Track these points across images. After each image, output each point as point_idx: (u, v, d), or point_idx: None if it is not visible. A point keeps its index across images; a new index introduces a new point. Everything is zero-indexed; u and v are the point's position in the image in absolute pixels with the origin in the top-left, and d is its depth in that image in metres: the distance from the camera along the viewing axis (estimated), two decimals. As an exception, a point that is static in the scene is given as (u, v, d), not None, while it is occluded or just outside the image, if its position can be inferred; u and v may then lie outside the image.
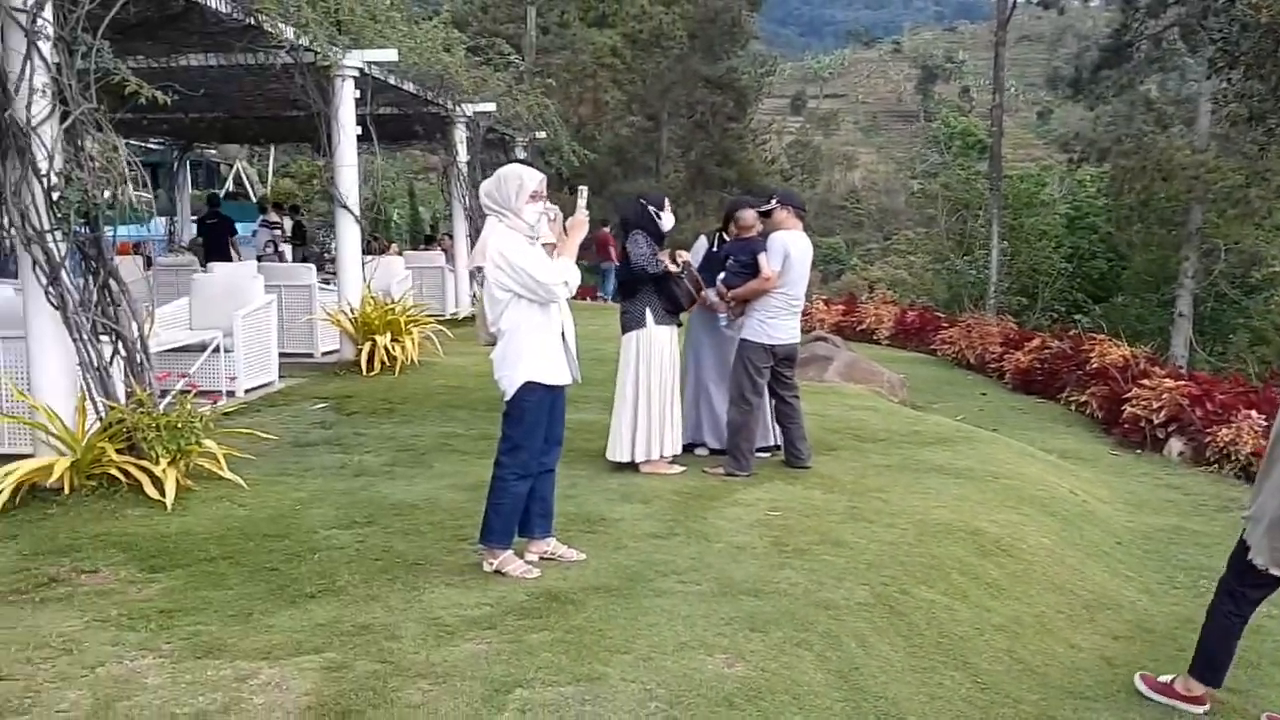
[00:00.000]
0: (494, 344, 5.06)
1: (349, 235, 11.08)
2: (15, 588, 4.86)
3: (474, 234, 14.18)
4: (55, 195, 5.98)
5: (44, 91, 5.94)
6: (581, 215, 5.13)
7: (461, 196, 15.85)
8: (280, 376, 10.14)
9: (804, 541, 5.69)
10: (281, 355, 10.35)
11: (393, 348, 10.74)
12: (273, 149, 37.67)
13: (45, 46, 5.94)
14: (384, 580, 4.99)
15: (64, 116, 6.05)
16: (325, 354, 11.58)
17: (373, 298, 11.19)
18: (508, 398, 4.99)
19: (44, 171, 5.97)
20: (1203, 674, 4.36)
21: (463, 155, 15.39)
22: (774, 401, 7.31)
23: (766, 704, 3.92)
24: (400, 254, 16.93)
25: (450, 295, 16.57)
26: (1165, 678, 4.47)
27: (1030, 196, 26.71)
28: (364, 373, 10.54)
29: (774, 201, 7.20)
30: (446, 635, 4.39)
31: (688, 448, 7.45)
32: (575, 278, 5.03)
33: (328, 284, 12.29)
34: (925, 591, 5.20)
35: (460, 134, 15.27)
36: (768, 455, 7.51)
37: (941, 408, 11.32)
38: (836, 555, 5.50)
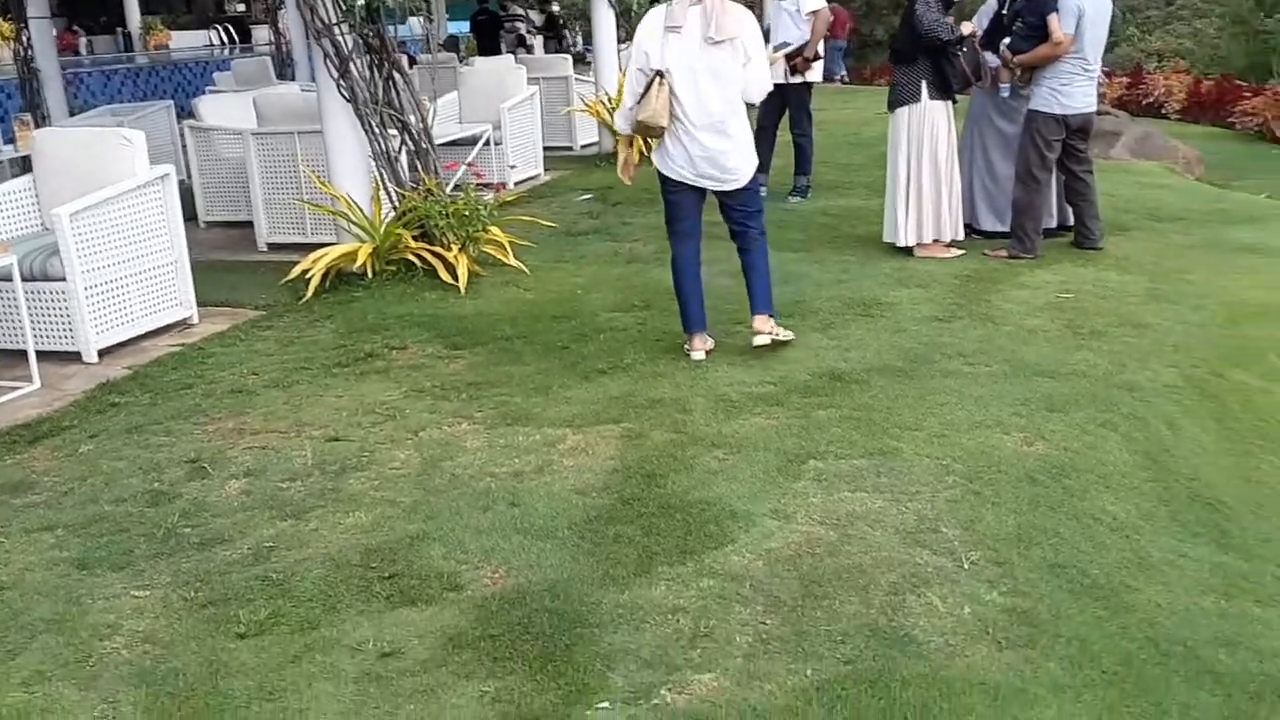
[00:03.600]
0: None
1: (604, 23, 10.96)
2: (338, 361, 5.32)
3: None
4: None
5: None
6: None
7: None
8: (545, 169, 10.36)
9: (1100, 324, 5.38)
10: (544, 148, 10.54)
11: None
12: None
13: None
14: (668, 359, 5.12)
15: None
16: (584, 146, 11.71)
17: (629, 87, 11.11)
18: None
19: (329, -34, 6.15)
20: None
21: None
22: (1063, 178, 6.81)
23: (1071, 481, 3.81)
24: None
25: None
26: None
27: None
28: (624, 163, 10.61)
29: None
30: (734, 410, 4.48)
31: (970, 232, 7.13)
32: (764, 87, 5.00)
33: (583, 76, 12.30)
34: (1239, 374, 4.84)
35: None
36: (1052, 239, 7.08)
37: (1245, 185, 10.26)
38: (1138, 337, 5.18)
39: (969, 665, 2.79)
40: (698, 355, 5.09)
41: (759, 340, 5.04)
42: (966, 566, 3.27)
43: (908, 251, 6.74)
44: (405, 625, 3.04)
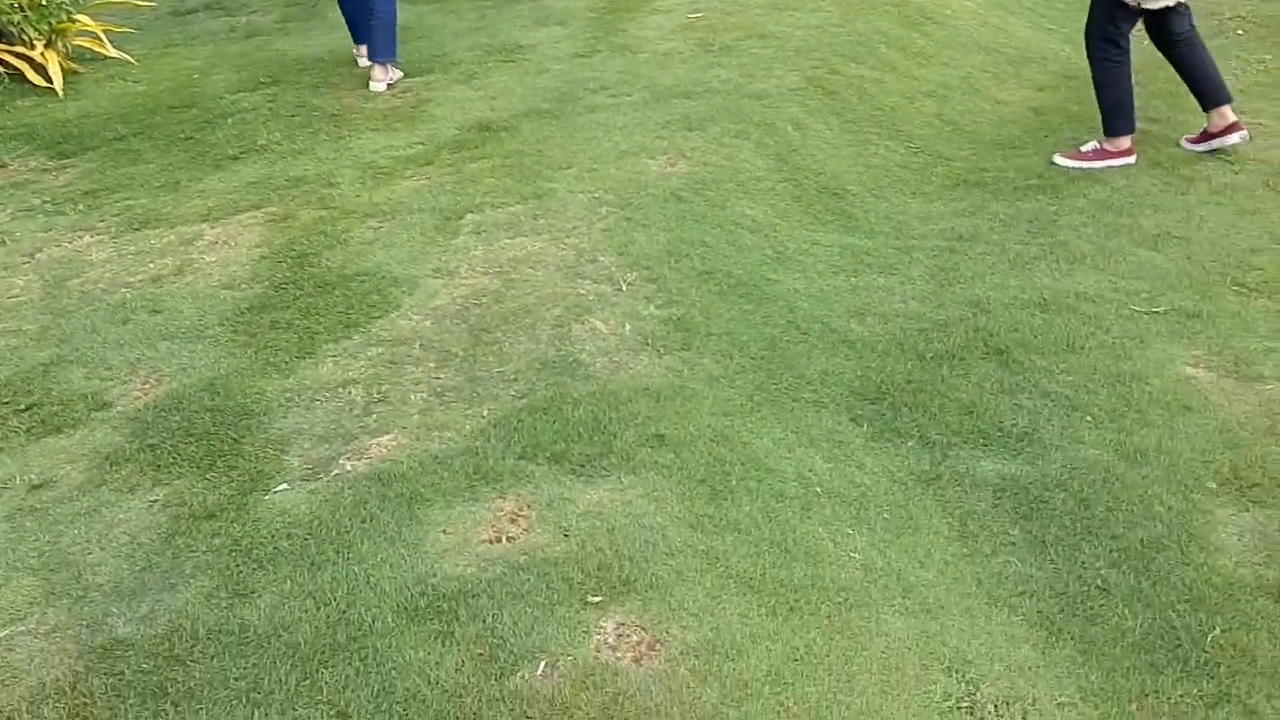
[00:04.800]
0: None
1: None
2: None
3: None
4: None
5: None
6: None
7: None
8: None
9: (730, 39, 5.53)
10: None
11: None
12: None
13: None
14: (306, 134, 4.83)
15: None
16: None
17: None
18: None
19: None
20: (1114, 127, 4.33)
21: None
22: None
23: (713, 193, 3.99)
24: None
25: None
26: (1085, 147, 4.41)
27: None
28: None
29: None
30: (384, 176, 4.33)
31: None
32: None
33: None
34: (854, 69, 5.16)
35: None
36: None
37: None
38: (764, 47, 5.38)
39: (633, 376, 2.95)
40: (363, 63, 5.54)
41: (375, 86, 5.28)
42: (624, 288, 3.39)
43: (541, -10, 6.57)
44: (53, 453, 2.83)
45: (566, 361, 3.03)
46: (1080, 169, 4.32)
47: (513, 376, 2.98)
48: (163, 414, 2.93)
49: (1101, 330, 3.24)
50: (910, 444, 2.89)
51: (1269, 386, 2.98)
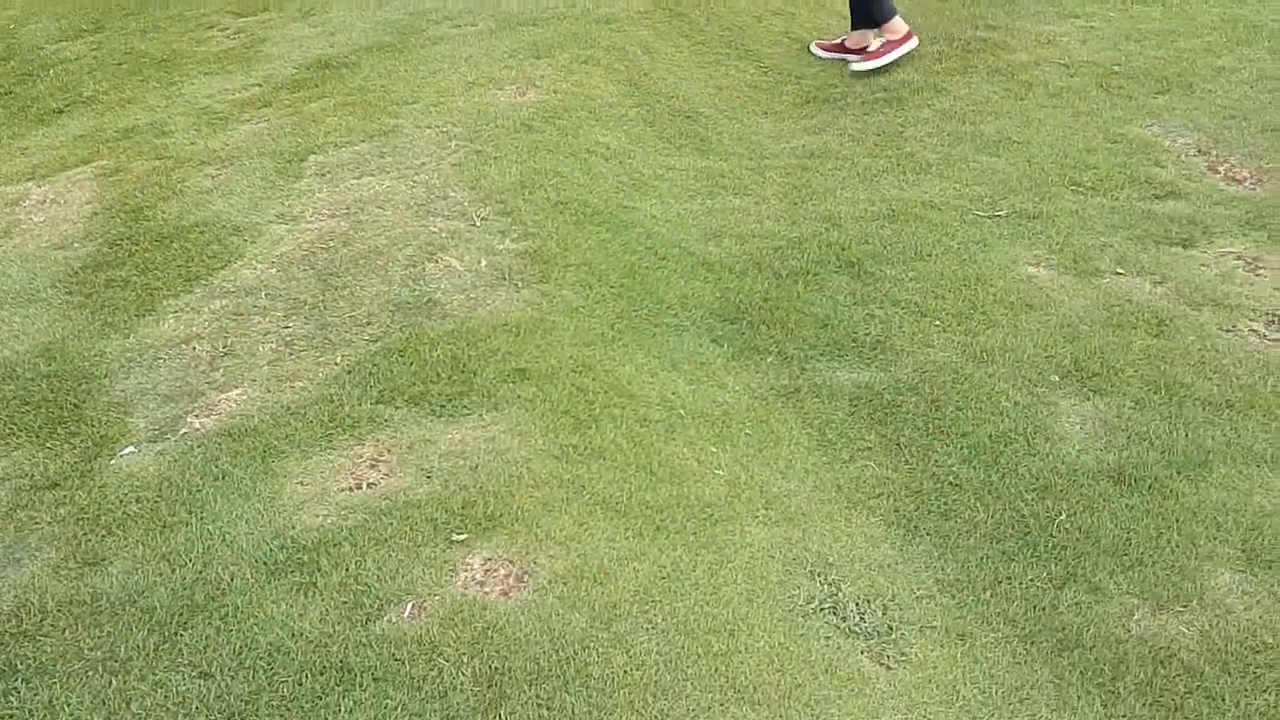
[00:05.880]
0: None
1: None
2: None
3: None
4: None
5: None
6: None
7: None
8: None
9: (574, -37, 5.42)
10: None
11: None
12: None
13: None
14: (135, 82, 4.58)
15: None
16: None
17: None
18: None
19: None
20: (883, 11, 4.38)
21: None
22: None
23: (565, 121, 3.93)
24: None
25: None
26: (873, 46, 4.46)
27: None
28: None
29: None
30: (220, 122, 4.14)
31: None
32: None
33: None
34: (703, -11, 5.13)
35: None
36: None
37: None
38: (609, -30, 5.29)
39: (491, 312, 2.91)
40: None
41: None
42: (478, 224, 3.33)
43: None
44: (-125, 437, 2.66)
45: (421, 301, 2.97)
46: (874, 67, 4.44)
47: (365, 320, 2.91)
48: (-6, 384, 2.78)
49: (947, 237, 3.32)
50: (770, 360, 2.93)
51: (1105, 280, 3.11)
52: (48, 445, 2.55)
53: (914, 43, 4.42)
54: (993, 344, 2.88)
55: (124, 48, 4.95)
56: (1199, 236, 3.26)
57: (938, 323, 2.97)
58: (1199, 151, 3.72)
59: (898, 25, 4.40)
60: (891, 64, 4.43)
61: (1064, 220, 3.38)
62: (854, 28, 4.54)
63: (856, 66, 4.46)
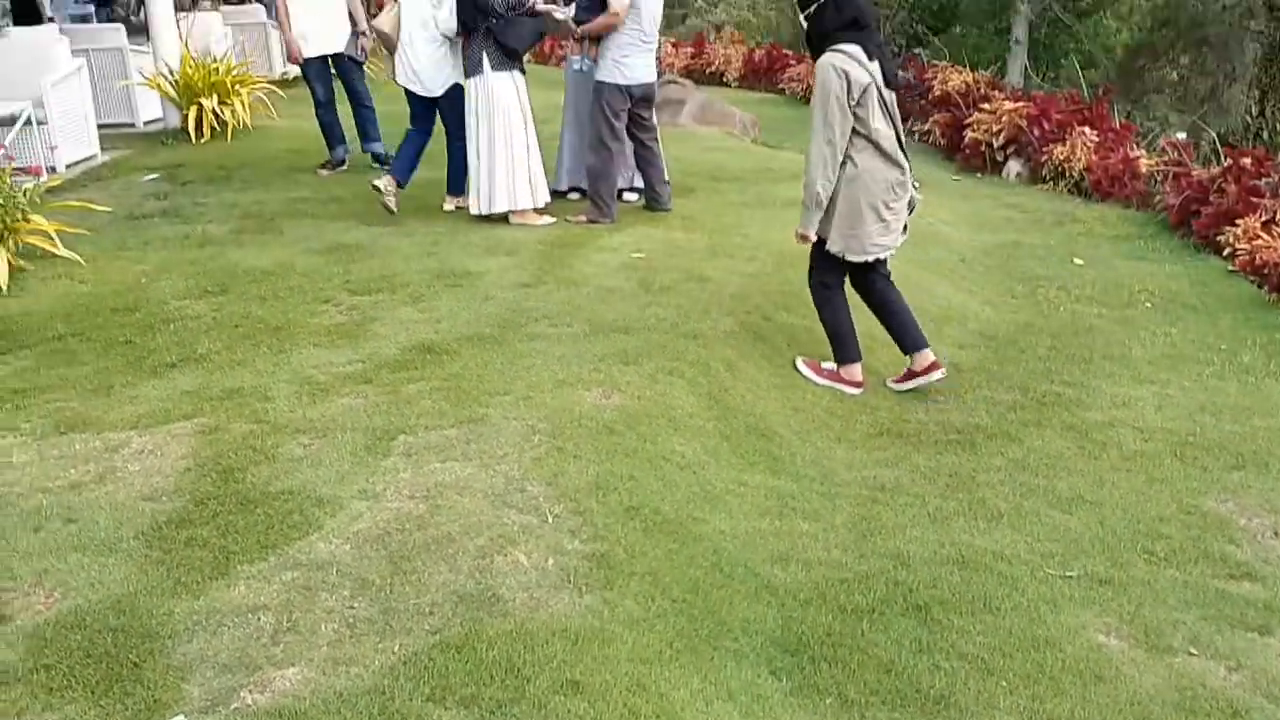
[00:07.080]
0: None
1: (158, -11, 10.10)
2: None
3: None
4: None
5: None
6: None
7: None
8: (103, 149, 9.43)
9: (669, 280, 5.77)
10: (101, 126, 9.59)
11: (221, 111, 10.03)
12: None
13: None
14: (247, 346, 4.88)
15: None
16: (148, 123, 10.75)
17: (191, 58, 10.34)
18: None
19: None
20: (841, 354, 4.88)
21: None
22: (634, 145, 7.20)
23: (645, 428, 4.07)
24: (216, 8, 15.57)
25: (276, 54, 15.46)
26: (826, 365, 4.94)
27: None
28: (194, 140, 9.87)
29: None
30: (320, 393, 4.36)
31: (567, 191, 7.47)
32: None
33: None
34: (785, 316, 5.40)
35: None
36: (635, 198, 7.49)
37: (793, 144, 11.38)
38: (701, 290, 5.62)
39: (551, 615, 2.92)
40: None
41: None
42: (550, 520, 3.40)
43: (501, 219, 6.84)
44: (-63, 672, 2.69)
45: (485, 595, 3.00)
46: (813, 380, 4.88)
47: (428, 609, 2.94)
48: (63, 631, 2.82)
49: (1017, 592, 3.29)
50: (829, 701, 2.86)
51: (1178, 659, 3.03)
52: (101, 703, 2.55)
53: (859, 390, 4.85)
54: (1059, 713, 2.79)
55: (243, 311, 5.31)
56: (1276, 625, 3.19)
57: (1004, 683, 2.90)
58: (1275, 534, 3.70)
59: (855, 370, 4.87)
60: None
61: (1136, 590, 3.34)
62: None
63: (800, 365, 4.96)
